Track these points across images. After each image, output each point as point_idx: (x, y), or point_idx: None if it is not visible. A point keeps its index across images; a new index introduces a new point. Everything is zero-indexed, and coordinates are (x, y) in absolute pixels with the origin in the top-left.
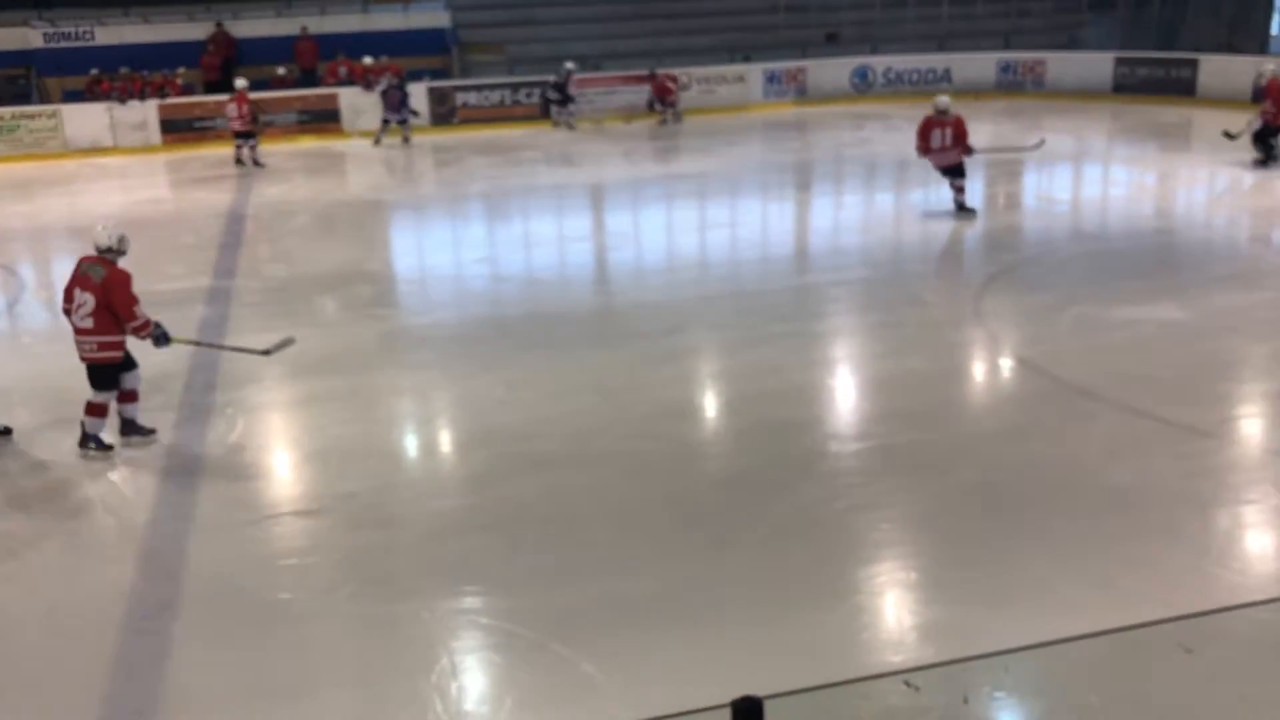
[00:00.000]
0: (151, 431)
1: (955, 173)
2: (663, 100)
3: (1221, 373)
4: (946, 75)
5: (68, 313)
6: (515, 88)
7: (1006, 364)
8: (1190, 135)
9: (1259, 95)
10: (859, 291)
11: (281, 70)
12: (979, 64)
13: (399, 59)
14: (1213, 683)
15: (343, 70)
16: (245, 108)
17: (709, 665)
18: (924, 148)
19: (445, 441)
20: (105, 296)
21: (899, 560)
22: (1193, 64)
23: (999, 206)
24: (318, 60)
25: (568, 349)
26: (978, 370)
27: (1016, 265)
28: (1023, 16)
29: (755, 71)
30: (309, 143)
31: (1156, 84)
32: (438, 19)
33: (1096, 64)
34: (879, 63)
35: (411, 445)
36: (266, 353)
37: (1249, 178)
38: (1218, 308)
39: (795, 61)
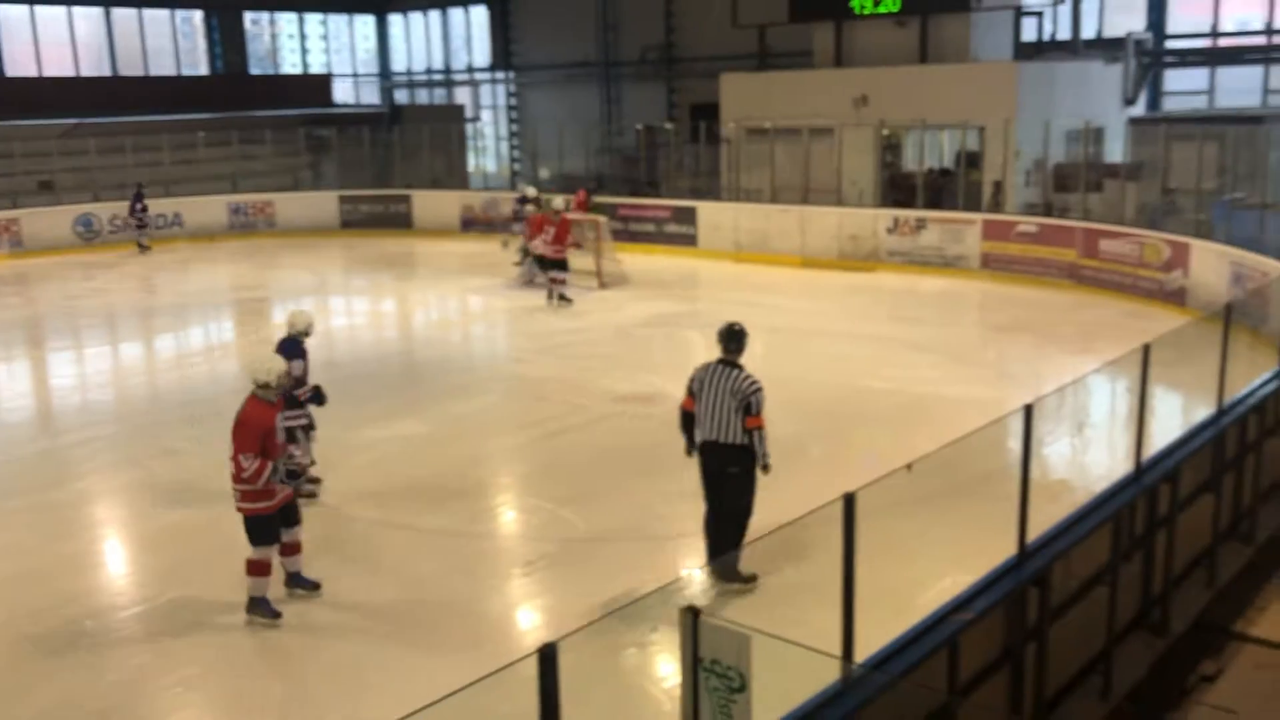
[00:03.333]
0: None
1: (559, 266)
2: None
3: (462, 474)
4: (178, 219)
5: None
6: None
7: None
8: (415, 263)
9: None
10: (108, 448)
11: None
12: (209, 207)
13: None
14: None
15: None
16: None
17: None
18: (533, 238)
19: None
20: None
21: None
22: (407, 199)
23: (252, 344)
24: None
25: None
26: None
27: None
28: (247, 160)
29: None
30: None
31: (379, 218)
32: None
33: (322, 202)
34: (103, 210)
35: None
36: None
37: (474, 300)
38: (451, 416)
39: (5, 212)
